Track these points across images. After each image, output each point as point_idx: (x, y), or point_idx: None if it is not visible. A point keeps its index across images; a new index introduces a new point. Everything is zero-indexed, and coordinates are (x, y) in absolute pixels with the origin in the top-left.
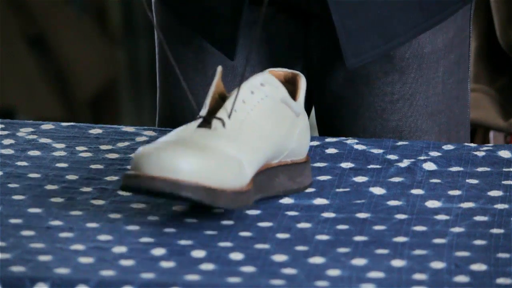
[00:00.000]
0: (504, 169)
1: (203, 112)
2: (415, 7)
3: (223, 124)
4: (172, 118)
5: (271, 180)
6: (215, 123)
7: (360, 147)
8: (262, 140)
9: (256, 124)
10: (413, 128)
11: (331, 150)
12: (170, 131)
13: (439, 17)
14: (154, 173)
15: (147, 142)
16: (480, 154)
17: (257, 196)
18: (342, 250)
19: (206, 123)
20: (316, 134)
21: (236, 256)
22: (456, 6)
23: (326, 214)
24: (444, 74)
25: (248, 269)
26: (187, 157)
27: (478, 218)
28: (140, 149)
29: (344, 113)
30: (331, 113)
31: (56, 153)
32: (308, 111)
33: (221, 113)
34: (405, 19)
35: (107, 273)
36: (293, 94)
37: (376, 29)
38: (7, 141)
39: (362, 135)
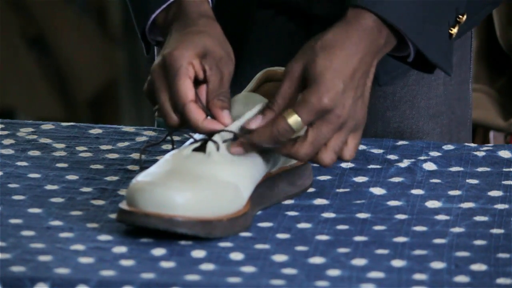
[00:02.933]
0: (504, 169)
1: (200, 136)
2: None
3: (218, 148)
4: None
5: (271, 190)
6: (209, 147)
7: (360, 147)
8: (258, 157)
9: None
10: (414, 129)
11: None
12: (170, 131)
13: (466, 27)
14: (148, 209)
15: (147, 142)
16: (480, 154)
17: (256, 210)
18: (342, 250)
19: (201, 146)
20: None
21: (236, 256)
22: (479, 16)
23: (326, 214)
24: (445, 75)
25: (248, 269)
26: (181, 191)
27: (478, 218)
28: (134, 182)
29: None
30: None
31: (56, 153)
32: None
33: (217, 136)
34: None
35: (107, 273)
36: None
37: None
38: (7, 141)
39: (364, 137)
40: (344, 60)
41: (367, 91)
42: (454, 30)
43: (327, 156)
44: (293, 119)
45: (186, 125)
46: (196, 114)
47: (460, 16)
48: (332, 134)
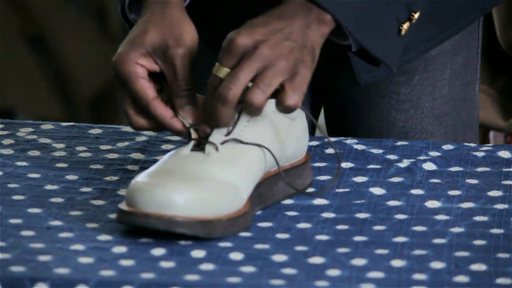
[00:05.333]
0: (504, 169)
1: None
2: (430, 20)
3: (217, 148)
4: None
5: (270, 189)
6: (208, 147)
7: (359, 147)
8: (257, 158)
9: (250, 142)
10: (419, 130)
11: (331, 150)
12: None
13: (454, 29)
14: (148, 210)
15: (147, 142)
16: (480, 154)
17: (256, 210)
18: (342, 250)
19: (200, 146)
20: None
21: (236, 256)
22: (472, 17)
23: (326, 214)
24: (450, 76)
25: (248, 269)
26: (181, 192)
27: (478, 218)
28: (133, 182)
29: (351, 113)
30: (339, 113)
31: (56, 153)
32: (317, 112)
33: (214, 137)
34: (419, 32)
35: (107, 273)
36: None
37: None
38: (7, 141)
39: (368, 136)
40: (262, 19)
41: (308, 40)
42: (404, 27)
43: (254, 95)
44: (217, 68)
45: (158, 127)
46: (162, 111)
47: (413, 14)
48: (254, 70)
